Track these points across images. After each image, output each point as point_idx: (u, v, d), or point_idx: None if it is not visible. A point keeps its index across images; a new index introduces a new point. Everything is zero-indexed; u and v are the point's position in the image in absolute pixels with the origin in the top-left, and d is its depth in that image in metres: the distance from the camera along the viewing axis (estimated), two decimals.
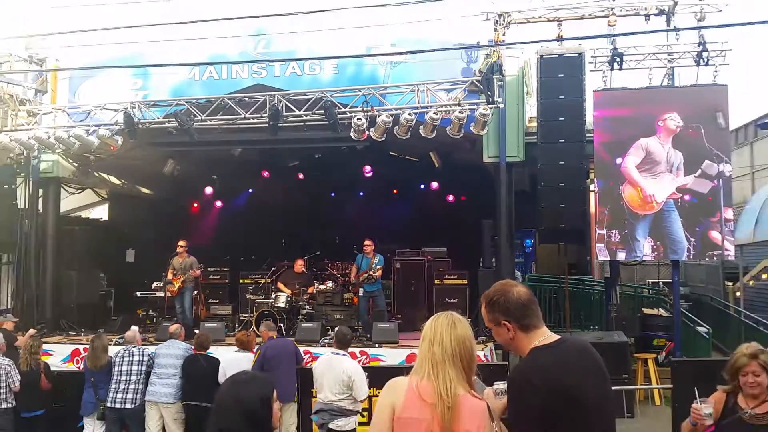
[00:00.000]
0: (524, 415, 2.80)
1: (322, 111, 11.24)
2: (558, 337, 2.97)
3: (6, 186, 13.08)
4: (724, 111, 10.80)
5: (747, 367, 4.12)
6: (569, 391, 2.77)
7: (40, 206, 13.67)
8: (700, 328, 12.52)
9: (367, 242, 12.55)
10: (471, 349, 2.94)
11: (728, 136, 11.59)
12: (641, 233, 10.78)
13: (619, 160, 10.89)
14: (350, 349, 10.65)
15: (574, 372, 2.83)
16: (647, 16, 11.23)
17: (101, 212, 17.46)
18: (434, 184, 16.61)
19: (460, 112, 10.78)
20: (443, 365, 2.86)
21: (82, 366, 9.77)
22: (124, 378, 8.75)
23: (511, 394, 2.88)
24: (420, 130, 11.18)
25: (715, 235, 10.66)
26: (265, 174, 16.63)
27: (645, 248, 10.80)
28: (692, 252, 10.84)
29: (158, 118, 12.19)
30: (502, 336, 2.97)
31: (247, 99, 11.80)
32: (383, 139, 11.42)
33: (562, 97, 10.93)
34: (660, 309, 13.56)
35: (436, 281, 13.38)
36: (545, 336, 2.94)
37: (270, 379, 3.20)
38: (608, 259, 11.29)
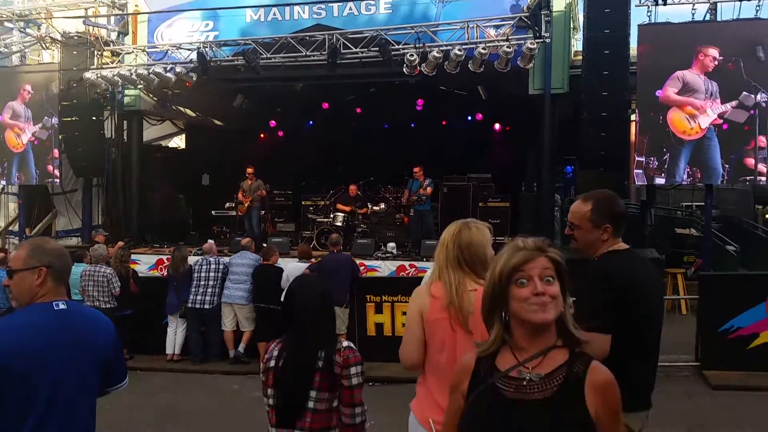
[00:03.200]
0: (602, 302, 2.89)
1: (377, 48, 11.20)
2: (627, 246, 3.09)
3: (95, 118, 13.49)
4: (764, 44, 10.37)
5: (529, 264, 1.87)
6: (641, 289, 2.93)
7: (125, 136, 14.11)
8: (728, 247, 12.35)
9: (416, 169, 12.63)
10: (476, 252, 2.94)
11: (767, 69, 11.15)
12: (683, 159, 10.53)
13: (659, 92, 10.60)
14: (400, 262, 11.00)
15: (644, 274, 3.00)
16: None
17: (179, 142, 17.89)
18: (480, 116, 16.43)
19: (507, 47, 10.59)
20: (446, 270, 2.91)
21: (166, 273, 10.27)
22: (203, 283, 9.22)
23: (593, 286, 2.97)
24: (469, 65, 11.06)
25: (749, 161, 10.40)
26: (325, 106, 16.70)
27: (686, 174, 10.60)
28: (726, 178, 10.62)
29: (228, 56, 12.35)
30: (593, 236, 3.02)
31: (308, 38, 11.84)
32: (434, 74, 11.34)
33: (608, 31, 10.57)
34: (691, 229, 13.36)
35: (480, 204, 13.40)
36: (621, 245, 3.06)
37: (324, 282, 3.42)
38: (645, 183, 11.15)
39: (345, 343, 3.06)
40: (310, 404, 2.97)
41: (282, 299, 3.40)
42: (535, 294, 1.83)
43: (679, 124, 10.53)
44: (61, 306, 2.59)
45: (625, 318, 2.87)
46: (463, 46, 10.87)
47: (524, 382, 1.84)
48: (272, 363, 3.07)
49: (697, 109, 10.42)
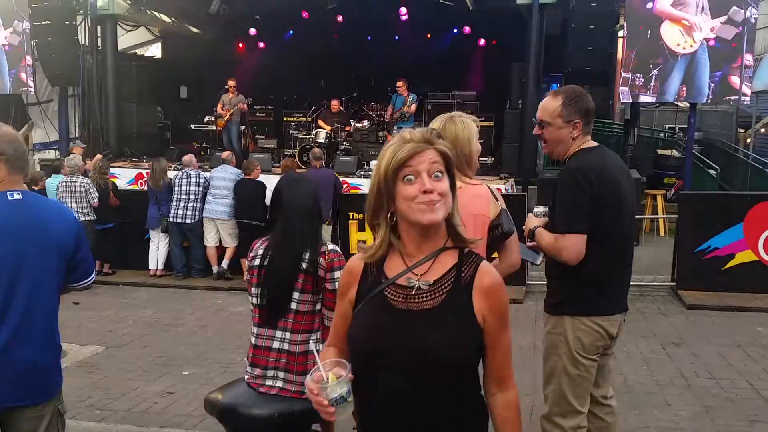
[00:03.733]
0: (577, 202, 2.87)
1: None
2: (597, 143, 3.06)
3: (67, 22, 12.89)
4: None
5: (416, 158, 1.70)
6: (615, 181, 2.92)
7: (99, 43, 13.47)
8: (709, 170, 12.38)
9: (399, 82, 12.29)
10: (461, 148, 2.86)
11: None
12: (677, 75, 10.32)
13: (649, 5, 10.27)
14: None
15: (618, 169, 3.00)
16: None
17: (155, 50, 17.18)
18: (467, 29, 15.91)
19: None
20: None
21: (145, 187, 10.08)
22: (183, 197, 9.06)
23: (567, 185, 2.93)
24: None
25: (734, 80, 10.24)
26: (305, 15, 16.02)
27: (680, 91, 10.36)
28: (710, 96, 10.49)
29: None
30: (562, 133, 2.95)
31: None
32: None
33: None
34: (673, 150, 13.35)
35: None
36: (590, 142, 3.02)
37: (314, 182, 3.28)
38: (630, 101, 11.00)
39: (330, 246, 3.02)
40: (293, 305, 2.95)
41: (270, 198, 3.29)
42: (423, 191, 1.68)
43: (673, 37, 10.25)
44: (16, 196, 2.46)
45: (601, 215, 2.85)
46: None
47: (413, 291, 1.75)
48: (257, 261, 3.02)
49: (691, 23, 10.15)
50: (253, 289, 3.04)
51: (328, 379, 1.67)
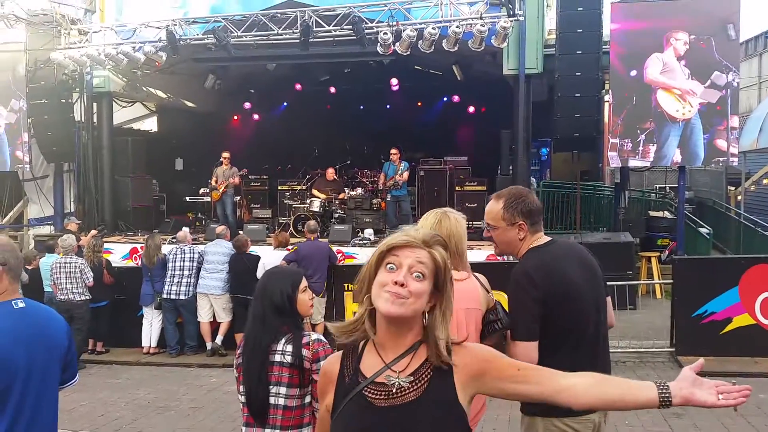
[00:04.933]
0: (523, 307, 2.79)
1: (350, 26, 10.93)
2: (549, 238, 2.98)
3: (63, 101, 13.11)
4: (735, 22, 10.36)
5: (405, 250, 1.70)
6: (562, 279, 2.80)
7: (95, 119, 13.71)
8: (701, 230, 12.44)
9: (393, 150, 12.44)
10: (456, 244, 2.84)
11: (738, 48, 11.14)
12: (674, 140, 10.49)
13: (633, 73, 10.54)
14: None
15: (565, 262, 2.87)
16: None
17: (151, 124, 17.44)
18: (456, 97, 16.28)
19: (481, 25, 10.40)
20: None
21: (140, 263, 10.06)
22: (177, 273, 9.05)
23: (512, 290, 2.85)
24: (443, 44, 10.85)
25: (721, 142, 10.42)
26: (299, 88, 16.41)
27: (676, 156, 10.52)
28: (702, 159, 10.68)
29: (198, 34, 11.96)
30: (509, 235, 2.90)
31: (279, 15, 11.49)
32: (408, 53, 11.10)
33: (581, 9, 10.53)
34: (665, 211, 13.42)
35: (457, 188, 13.31)
36: (540, 239, 2.94)
37: (297, 272, 3.23)
38: (620, 165, 11.14)
39: (314, 336, 2.96)
40: (281, 401, 2.88)
41: None
42: (395, 282, 1.65)
43: (671, 104, 10.48)
44: (20, 304, 2.64)
45: (554, 312, 2.75)
46: (437, 24, 10.66)
47: (394, 389, 1.72)
48: (240, 359, 2.98)
49: (684, 91, 10.40)
50: (240, 387, 3.00)
51: None
